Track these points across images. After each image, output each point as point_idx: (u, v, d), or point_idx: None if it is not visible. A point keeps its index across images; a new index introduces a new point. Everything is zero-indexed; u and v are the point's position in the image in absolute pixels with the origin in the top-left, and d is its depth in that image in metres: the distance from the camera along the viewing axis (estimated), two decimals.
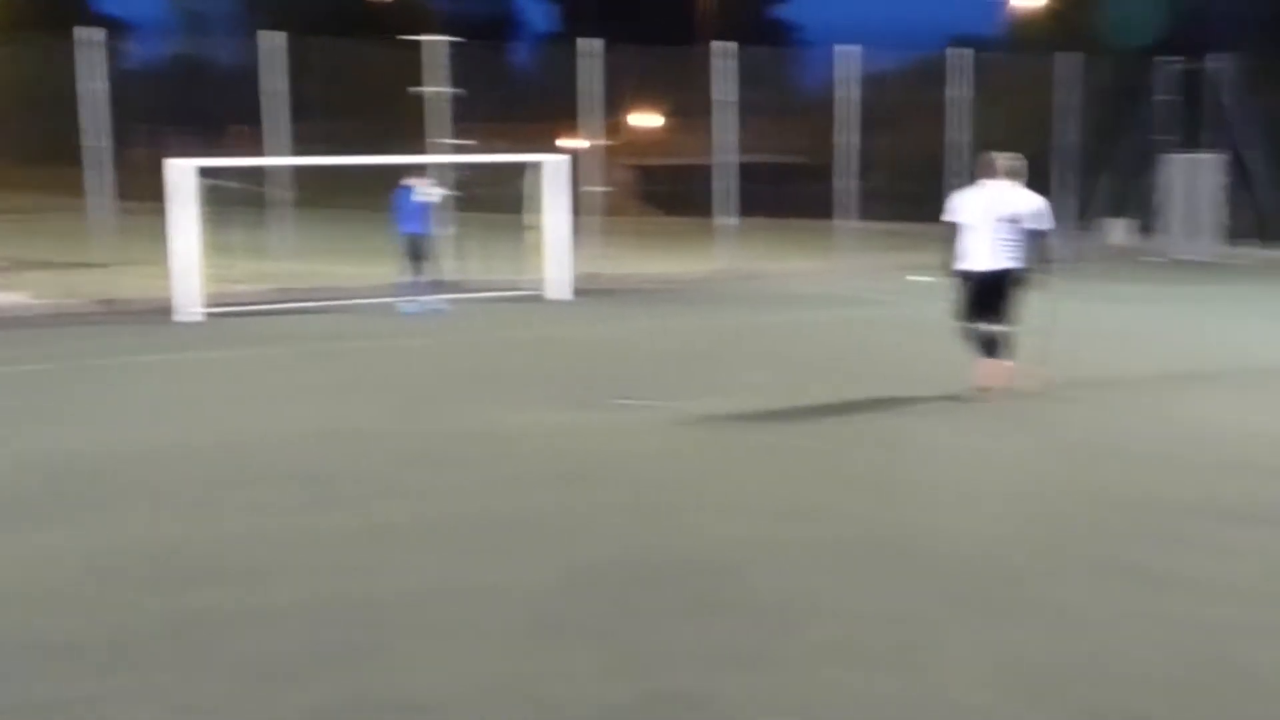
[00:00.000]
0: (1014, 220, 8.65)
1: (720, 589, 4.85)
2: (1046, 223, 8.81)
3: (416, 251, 16.28)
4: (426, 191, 16.17)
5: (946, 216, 9.00)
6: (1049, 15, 31.54)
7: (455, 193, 20.01)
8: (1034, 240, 8.70)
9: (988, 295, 8.77)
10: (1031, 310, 8.85)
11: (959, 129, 22.70)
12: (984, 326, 8.83)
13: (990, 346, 8.81)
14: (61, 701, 3.93)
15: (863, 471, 6.80)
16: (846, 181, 21.91)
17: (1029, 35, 33.43)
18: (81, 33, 18.20)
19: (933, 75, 25.33)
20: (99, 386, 10.65)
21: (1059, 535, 5.51)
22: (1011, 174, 8.86)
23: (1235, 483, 6.44)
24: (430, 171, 16.80)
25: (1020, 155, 9.01)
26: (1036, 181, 26.01)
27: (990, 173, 8.86)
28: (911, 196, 24.40)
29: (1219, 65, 23.61)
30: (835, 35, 24.88)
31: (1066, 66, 23.57)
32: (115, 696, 3.95)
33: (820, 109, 26.26)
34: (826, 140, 23.07)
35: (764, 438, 7.76)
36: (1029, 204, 8.77)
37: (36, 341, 14.25)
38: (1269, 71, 23.82)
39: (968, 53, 23.94)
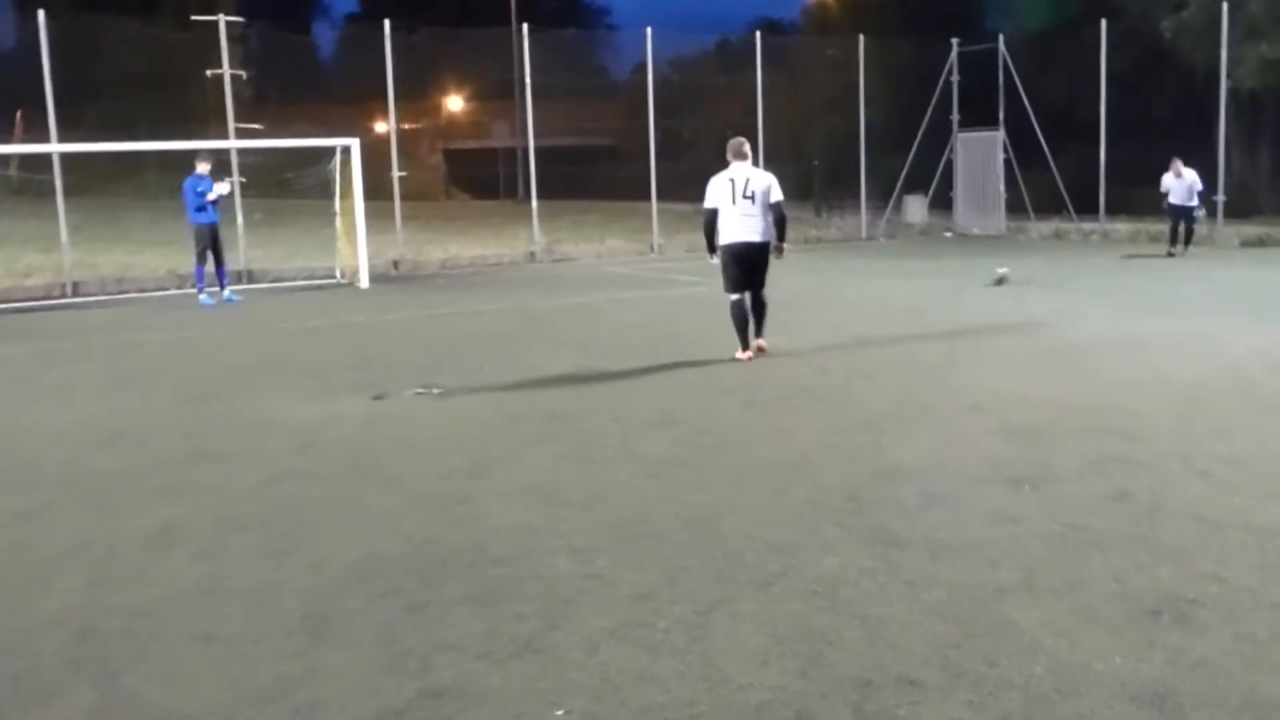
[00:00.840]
0: (753, 197, 9.60)
1: (501, 578, 4.72)
2: (778, 195, 9.73)
3: (208, 241, 15.66)
4: (217, 188, 15.55)
5: (706, 202, 9.84)
6: (844, 1, 32.42)
7: (242, 180, 19.28)
8: (772, 213, 9.72)
9: (747, 267, 9.77)
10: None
11: (760, 111, 23.07)
12: (746, 297, 9.86)
13: (749, 316, 9.89)
14: None
15: (649, 453, 6.75)
16: (653, 164, 22.02)
17: (829, 19, 34.28)
18: None
19: (736, 59, 25.72)
20: None
21: (824, 506, 5.58)
22: (743, 155, 9.81)
23: (981, 445, 6.67)
24: (211, 156, 16.10)
25: (745, 139, 10.00)
26: (843, 161, 26.73)
27: (735, 155, 9.75)
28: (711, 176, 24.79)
29: (1003, 48, 24.64)
30: (642, 19, 24.97)
31: (865, 50, 24.22)
32: None
33: (628, 91, 26.37)
34: (634, 123, 23.15)
35: (553, 423, 7.65)
36: (764, 181, 9.71)
37: None
38: (1050, 51, 25.00)
39: (769, 36, 24.34)
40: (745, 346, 9.82)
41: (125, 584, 4.79)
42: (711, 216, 9.73)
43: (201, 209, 15.44)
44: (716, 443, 6.95)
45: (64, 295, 17.26)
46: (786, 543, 5.06)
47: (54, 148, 17.66)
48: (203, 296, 15.78)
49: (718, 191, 9.70)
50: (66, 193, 18.07)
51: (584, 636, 4.13)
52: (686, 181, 24.85)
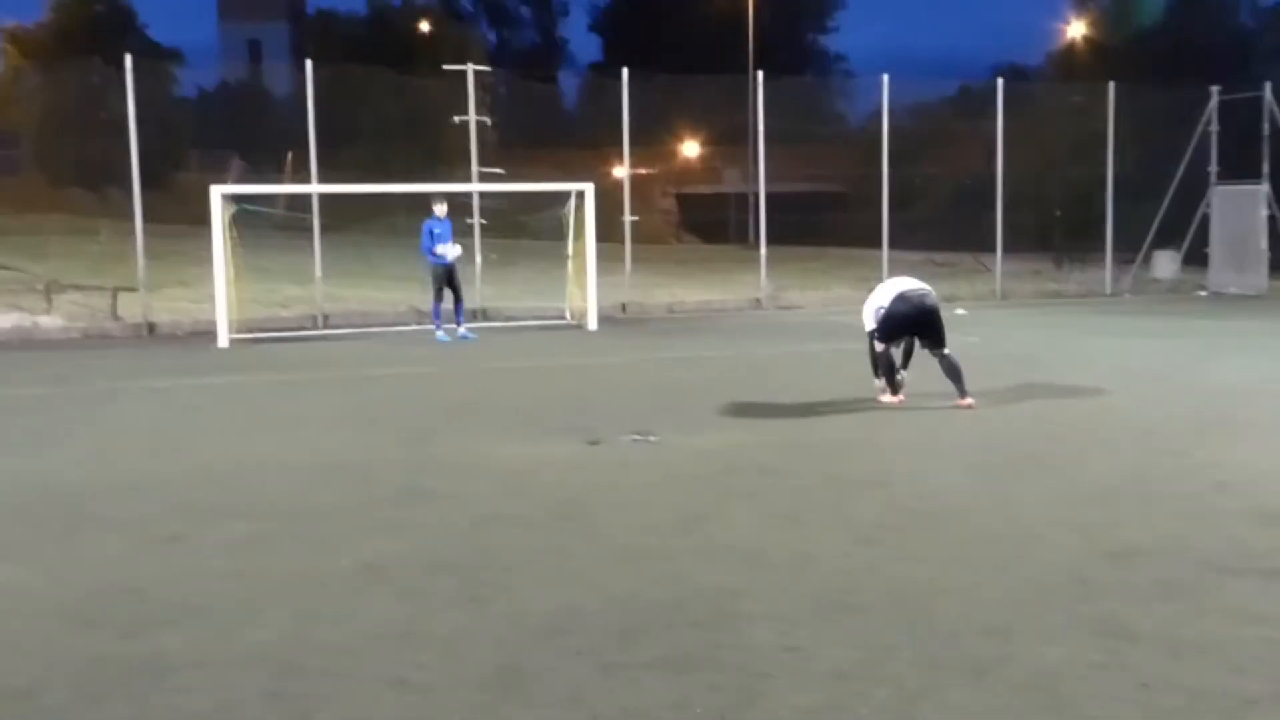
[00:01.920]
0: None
1: (697, 643, 4.56)
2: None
3: (443, 280, 16.25)
4: (451, 251, 16.12)
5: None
6: (1093, 45, 31.09)
7: (483, 221, 19.96)
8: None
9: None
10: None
11: (1000, 159, 22.32)
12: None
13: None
14: None
15: (861, 517, 6.47)
16: (885, 211, 21.59)
17: (1077, 65, 32.97)
18: (128, 59, 18.33)
19: (974, 104, 25.01)
20: (102, 411, 10.57)
21: (1049, 588, 5.17)
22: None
23: (1229, 529, 6.05)
24: (445, 199, 16.70)
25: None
26: (1083, 211, 25.60)
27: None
28: (947, 226, 24.05)
29: (1269, 95, 23.05)
30: (880, 64, 24.64)
31: (1115, 96, 23.12)
32: None
33: (860, 138, 26.01)
34: (866, 169, 22.79)
35: (765, 478, 7.45)
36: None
37: (56, 364, 14.27)
38: None
39: (1011, 82, 23.55)
40: (896, 390, 10.19)
41: (330, 620, 4.88)
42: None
43: (432, 250, 16.03)
44: (933, 510, 6.61)
45: (315, 327, 18.22)
46: (1005, 627, 4.70)
47: (314, 188, 18.77)
48: (439, 333, 16.37)
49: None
50: (322, 230, 19.16)
51: (778, 716, 3.93)
52: (918, 230, 24.31)
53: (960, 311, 19.52)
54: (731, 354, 14.44)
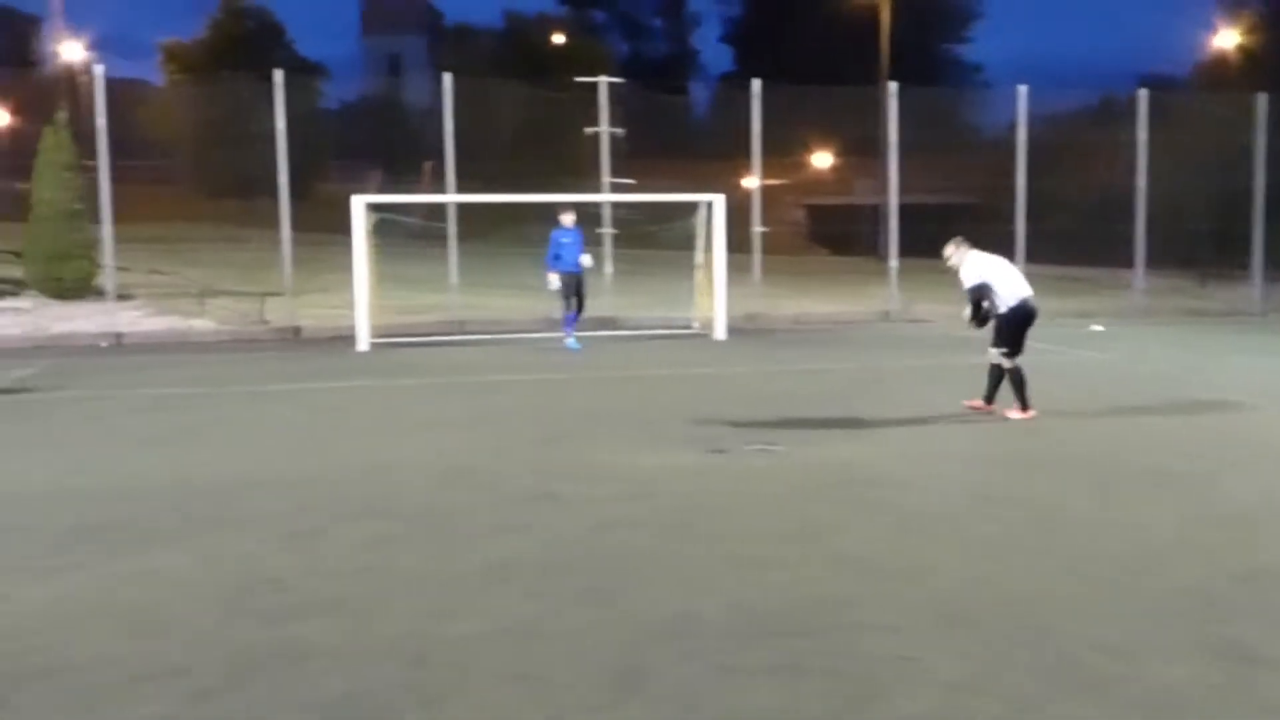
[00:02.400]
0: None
1: (811, 650, 4.63)
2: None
3: (572, 287, 16.54)
4: (583, 260, 16.47)
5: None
6: (1245, 53, 30.00)
7: (613, 231, 20.26)
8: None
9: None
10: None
11: (1142, 171, 21.72)
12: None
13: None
14: None
15: (979, 531, 6.45)
16: (1020, 223, 21.19)
17: (1225, 76, 31.86)
18: (277, 74, 19.13)
19: (1115, 115, 24.39)
20: (250, 412, 11.08)
21: (1172, 609, 5.10)
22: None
23: None
24: (573, 209, 17.02)
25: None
26: (1229, 226, 24.77)
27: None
28: (1085, 239, 23.46)
29: None
30: (1017, 74, 24.18)
31: (1264, 108, 22.30)
32: None
33: (996, 149, 25.56)
34: (1000, 180, 22.41)
35: (884, 490, 7.46)
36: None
37: (208, 365, 14.96)
38: None
39: (1155, 94, 22.91)
40: (1027, 405, 10.01)
41: (459, 615, 5.09)
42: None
43: (557, 258, 16.37)
44: (1056, 525, 6.55)
45: (451, 333, 18.72)
46: (1124, 646, 4.67)
47: (452, 198, 19.34)
48: (569, 340, 16.66)
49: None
50: (458, 239, 19.69)
51: None
52: (1054, 243, 23.75)
53: (1097, 328, 19.08)
54: (857, 366, 14.39)
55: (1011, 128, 22.30)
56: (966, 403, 10.41)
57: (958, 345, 16.66)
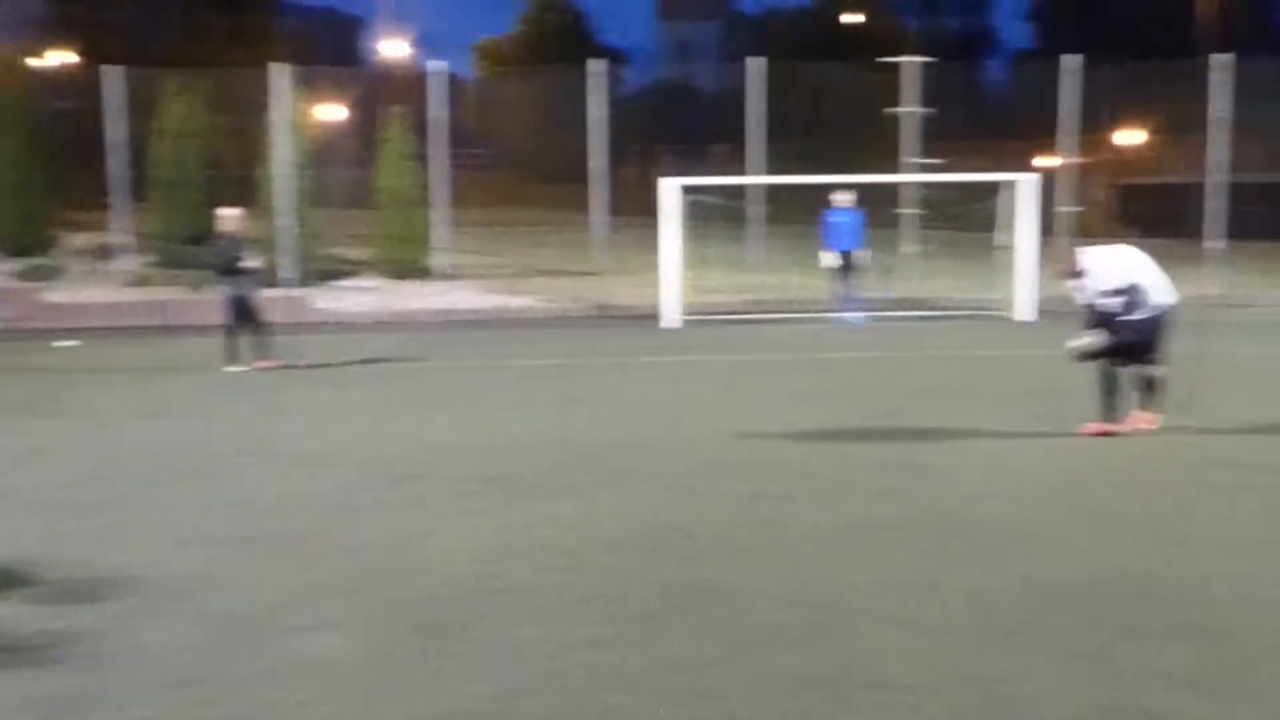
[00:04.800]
0: None
1: (1214, 619, 4.74)
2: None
3: (847, 267, 17.00)
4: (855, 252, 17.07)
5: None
6: None
7: (921, 211, 20.22)
8: None
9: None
10: None
11: None
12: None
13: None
14: (604, 640, 4.59)
15: None
16: None
17: None
18: (595, 64, 20.11)
19: None
20: (594, 381, 11.86)
21: None
22: None
23: None
24: (851, 190, 17.45)
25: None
26: None
27: None
28: None
29: None
30: None
31: None
32: (624, 642, 4.55)
33: None
34: None
35: (1260, 475, 7.32)
36: None
37: (540, 340, 16.00)
38: None
39: None
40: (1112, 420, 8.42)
41: (860, 566, 5.49)
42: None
43: (841, 237, 17.08)
44: None
45: (754, 311, 19.18)
46: None
47: (762, 179, 19.83)
48: (855, 318, 17.09)
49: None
50: (760, 220, 20.16)
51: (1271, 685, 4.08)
52: None
53: None
54: (1191, 351, 13.86)
55: None
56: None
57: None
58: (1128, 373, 8.47)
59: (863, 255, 17.33)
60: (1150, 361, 8.47)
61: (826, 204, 17.84)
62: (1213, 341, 14.57)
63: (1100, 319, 8.33)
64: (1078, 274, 8.51)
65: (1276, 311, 18.89)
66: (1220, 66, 20.16)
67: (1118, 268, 8.36)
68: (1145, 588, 5.13)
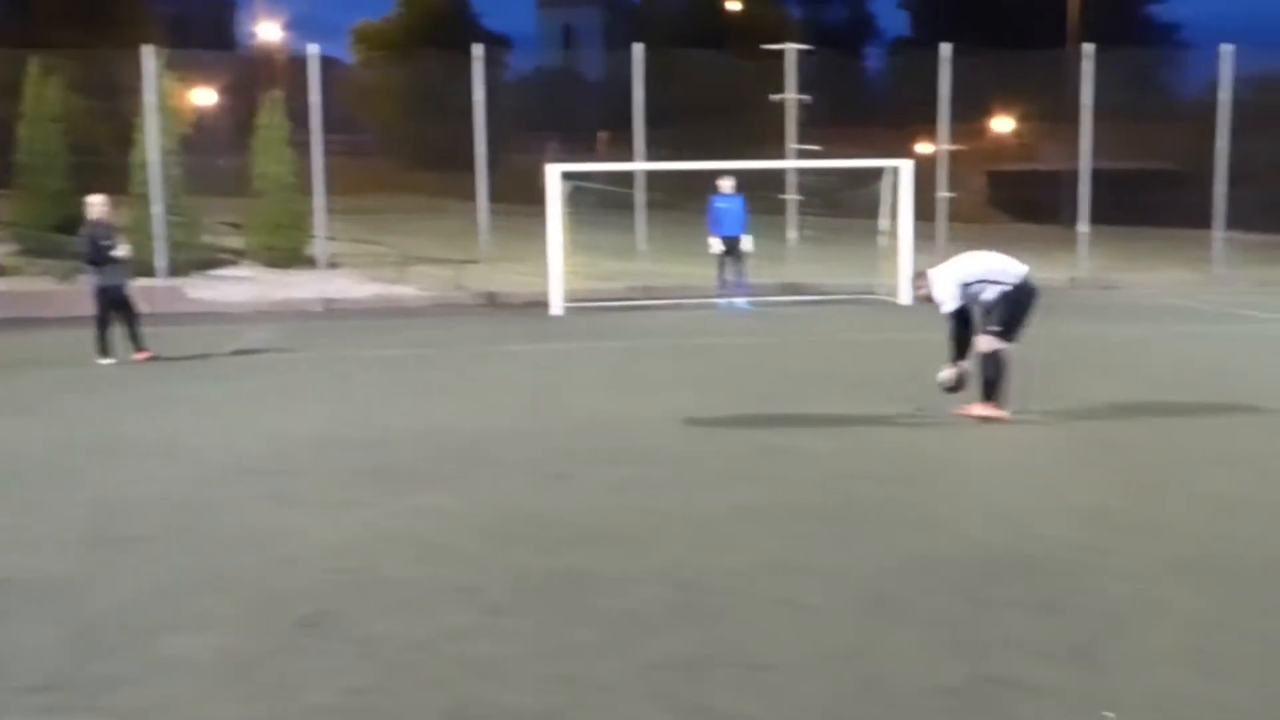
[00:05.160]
0: None
1: (1057, 589, 4.93)
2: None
3: (732, 252, 17.28)
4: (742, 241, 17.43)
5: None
6: None
7: (799, 198, 20.53)
8: None
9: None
10: None
11: None
12: None
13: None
14: (466, 631, 4.60)
15: (1207, 489, 6.59)
16: (1220, 190, 20.55)
17: None
18: (477, 48, 19.93)
19: None
20: (474, 370, 11.82)
21: None
22: None
23: None
24: (732, 177, 17.77)
25: None
26: None
27: None
28: None
29: None
30: (1219, 34, 23.26)
31: None
32: (505, 633, 4.57)
33: (1195, 112, 24.73)
34: (1201, 146, 21.73)
35: (1106, 451, 7.63)
36: None
37: (421, 329, 15.87)
38: None
39: None
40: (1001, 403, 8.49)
41: (718, 551, 5.55)
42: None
43: (717, 223, 17.39)
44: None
45: (638, 298, 19.28)
46: None
47: (643, 165, 19.88)
48: (746, 303, 17.41)
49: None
50: (640, 207, 20.24)
51: (1139, 653, 4.27)
52: (1262, 209, 22.88)
53: None
54: (1050, 333, 14.31)
55: (1212, 90, 21.59)
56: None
57: (1156, 314, 16.42)
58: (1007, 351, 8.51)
59: (747, 241, 17.59)
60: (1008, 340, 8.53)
61: (713, 190, 18.03)
62: (1079, 324, 15.14)
63: (966, 315, 8.50)
64: (931, 296, 8.60)
65: (1139, 294, 19.64)
66: (1087, 56, 20.78)
67: (961, 270, 8.50)
68: (1001, 561, 5.31)
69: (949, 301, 8.45)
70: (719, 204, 17.43)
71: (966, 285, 8.41)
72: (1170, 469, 7.11)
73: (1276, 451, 7.59)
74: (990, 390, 8.44)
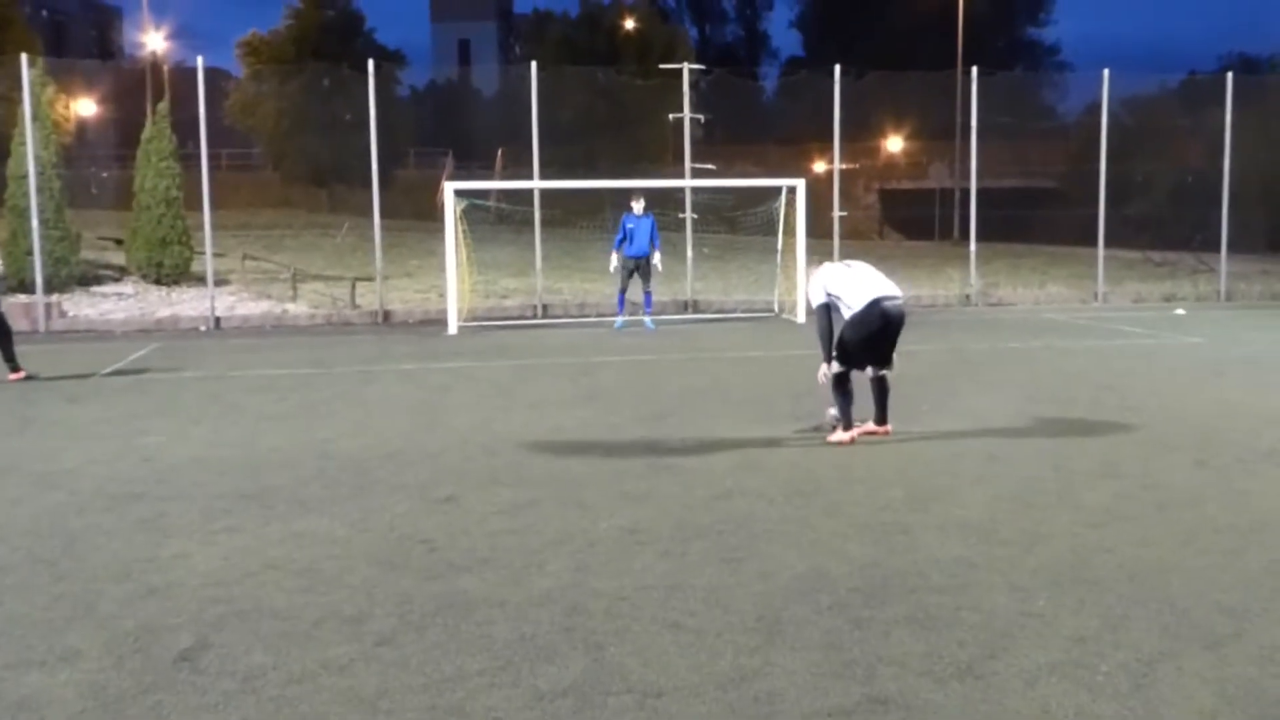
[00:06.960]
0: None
1: (941, 605, 4.95)
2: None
3: (635, 272, 17.22)
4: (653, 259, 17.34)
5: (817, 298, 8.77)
6: None
7: (694, 216, 20.61)
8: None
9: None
10: None
11: (1228, 154, 21.58)
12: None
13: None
14: (351, 662, 4.45)
15: (1090, 502, 6.71)
16: (1101, 208, 21.19)
17: None
18: (370, 63, 19.63)
19: (1199, 98, 24.22)
20: (362, 390, 11.58)
21: (1277, 574, 5.35)
22: None
23: None
24: (642, 195, 17.74)
25: None
26: None
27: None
28: (1168, 223, 23.38)
29: None
30: (1096, 57, 24.08)
31: None
32: (392, 664, 4.43)
33: (1075, 133, 25.52)
34: (1081, 165, 22.40)
35: (992, 465, 7.75)
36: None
37: (309, 347, 15.53)
38: None
39: (1241, 75, 22.74)
40: (850, 425, 8.52)
41: (604, 573, 5.48)
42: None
43: (627, 241, 17.23)
44: (1163, 499, 6.80)
45: (535, 316, 19.18)
46: (1239, 606, 4.94)
47: (538, 184, 19.76)
48: (618, 321, 17.57)
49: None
50: (536, 224, 20.13)
51: (1023, 669, 4.30)
52: (1137, 227, 23.69)
53: (1180, 312, 19.09)
54: (943, 348, 14.59)
55: (1091, 111, 22.29)
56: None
57: (1042, 329, 16.82)
58: (864, 376, 8.64)
59: (658, 258, 17.48)
60: (881, 364, 8.64)
61: (610, 207, 18.06)
62: (969, 339, 15.44)
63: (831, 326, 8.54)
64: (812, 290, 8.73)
65: (1024, 310, 20.13)
66: (973, 79, 21.26)
67: (828, 280, 8.57)
68: (888, 579, 5.33)
69: (816, 298, 8.59)
70: (629, 223, 17.32)
71: (830, 293, 8.54)
72: (1054, 482, 7.23)
73: (1157, 464, 7.77)
74: (842, 415, 8.51)
